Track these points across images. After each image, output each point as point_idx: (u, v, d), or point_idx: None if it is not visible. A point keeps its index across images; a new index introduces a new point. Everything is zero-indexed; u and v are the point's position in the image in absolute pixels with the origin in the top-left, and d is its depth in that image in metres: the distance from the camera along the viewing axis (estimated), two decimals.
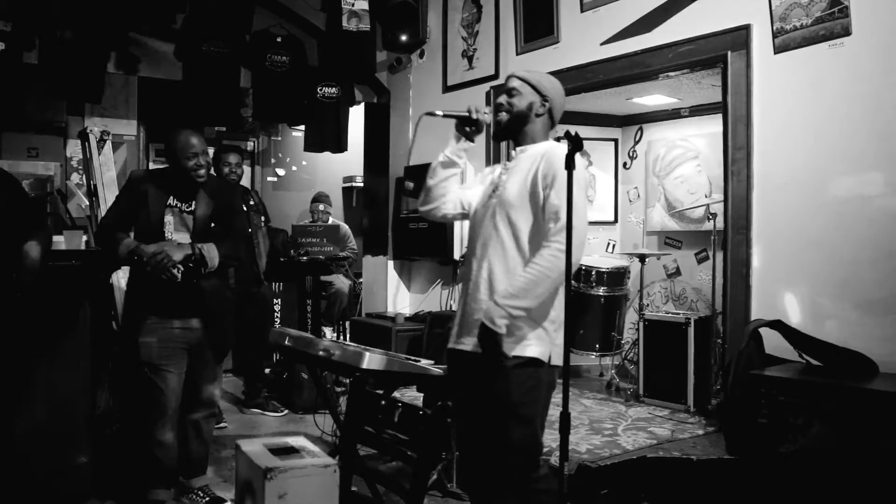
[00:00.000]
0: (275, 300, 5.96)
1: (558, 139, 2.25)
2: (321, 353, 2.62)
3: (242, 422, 4.66)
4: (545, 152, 2.27)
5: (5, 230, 2.88)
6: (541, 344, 2.22)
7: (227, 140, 6.62)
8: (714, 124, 4.32)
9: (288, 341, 2.82)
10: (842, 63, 3.12)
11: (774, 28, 3.35)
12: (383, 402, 2.85)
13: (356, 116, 6.12)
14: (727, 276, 3.54)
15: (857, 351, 2.91)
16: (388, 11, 5.24)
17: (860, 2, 3.06)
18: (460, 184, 2.49)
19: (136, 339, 3.00)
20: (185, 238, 3.06)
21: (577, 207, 2.05)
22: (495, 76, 4.84)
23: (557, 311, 2.25)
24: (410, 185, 2.39)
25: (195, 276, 3.02)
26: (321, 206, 6.38)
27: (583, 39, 4.27)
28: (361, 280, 6.24)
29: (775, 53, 3.36)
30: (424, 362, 2.59)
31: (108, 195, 4.23)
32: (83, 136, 4.46)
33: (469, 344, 2.28)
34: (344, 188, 7.49)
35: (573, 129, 2.05)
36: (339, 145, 5.65)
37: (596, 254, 5.34)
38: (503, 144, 4.34)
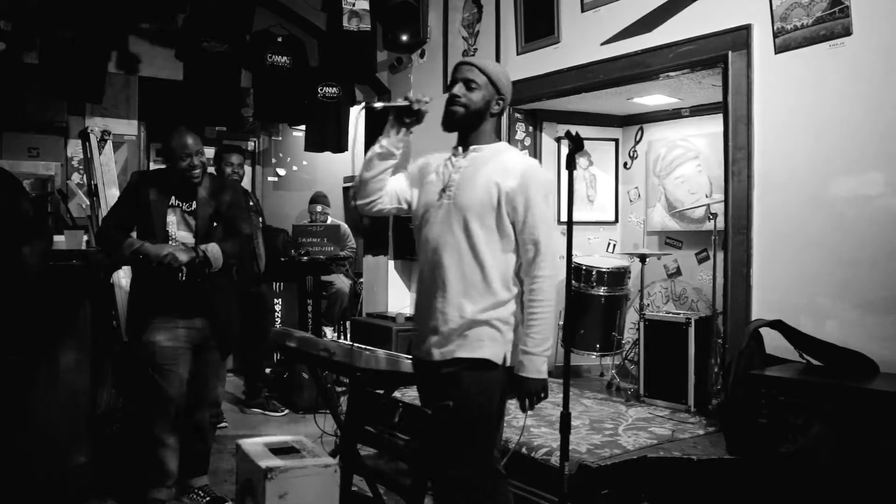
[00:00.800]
0: (275, 300, 5.96)
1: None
2: (322, 352, 2.62)
3: (243, 421, 4.66)
4: (512, 165, 2.18)
5: (5, 230, 2.88)
6: (494, 345, 2.17)
7: (228, 140, 6.62)
8: (714, 124, 4.31)
9: (291, 342, 2.82)
10: (842, 63, 3.12)
11: (775, 28, 3.35)
12: (384, 402, 2.85)
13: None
14: (728, 275, 3.54)
15: (857, 351, 2.91)
16: (389, 11, 5.24)
17: (861, 2, 3.06)
18: (405, 171, 2.38)
19: (141, 339, 3.00)
20: (188, 237, 3.07)
21: (549, 224, 2.14)
22: None
23: (510, 309, 2.19)
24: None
25: (199, 276, 3.02)
26: (318, 207, 6.32)
27: (583, 39, 4.27)
28: (362, 280, 6.23)
29: (776, 53, 3.36)
30: None
31: (109, 195, 4.23)
32: (84, 136, 4.46)
33: (424, 352, 2.24)
34: (344, 188, 7.48)
35: (573, 128, 2.05)
36: (340, 145, 5.65)
37: (596, 254, 5.33)
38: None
